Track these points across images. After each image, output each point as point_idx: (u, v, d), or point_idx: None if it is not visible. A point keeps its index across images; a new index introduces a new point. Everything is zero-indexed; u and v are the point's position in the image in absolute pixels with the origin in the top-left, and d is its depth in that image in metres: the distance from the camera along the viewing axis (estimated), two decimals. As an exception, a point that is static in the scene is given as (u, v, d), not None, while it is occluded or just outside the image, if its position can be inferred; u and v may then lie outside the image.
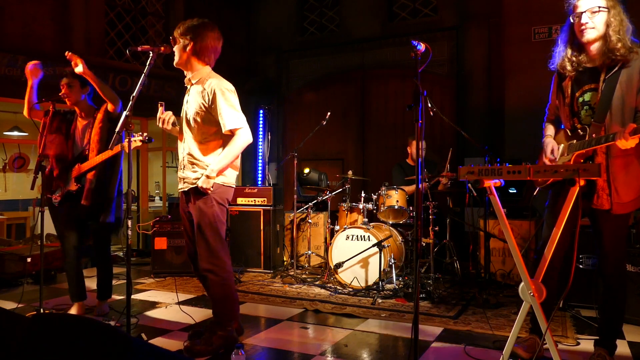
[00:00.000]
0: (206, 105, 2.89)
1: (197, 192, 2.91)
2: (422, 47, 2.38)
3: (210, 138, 2.95)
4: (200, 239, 2.92)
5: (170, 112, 3.02)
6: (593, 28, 2.43)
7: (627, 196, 2.43)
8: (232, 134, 2.90)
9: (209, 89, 2.89)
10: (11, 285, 4.69)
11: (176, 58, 2.95)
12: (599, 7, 2.41)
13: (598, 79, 2.48)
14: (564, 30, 2.60)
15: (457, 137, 6.51)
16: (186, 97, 3.04)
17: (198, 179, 2.90)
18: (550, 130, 2.77)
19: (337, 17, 7.77)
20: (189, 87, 3.04)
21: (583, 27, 2.44)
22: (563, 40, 2.60)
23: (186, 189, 2.98)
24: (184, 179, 3.00)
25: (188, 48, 2.90)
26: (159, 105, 2.96)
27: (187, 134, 2.97)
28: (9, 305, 3.95)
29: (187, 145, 2.97)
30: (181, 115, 3.07)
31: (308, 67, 7.88)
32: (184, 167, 2.98)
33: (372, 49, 7.34)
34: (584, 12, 2.42)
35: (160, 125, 3.01)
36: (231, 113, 2.87)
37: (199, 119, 2.92)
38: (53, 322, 1.34)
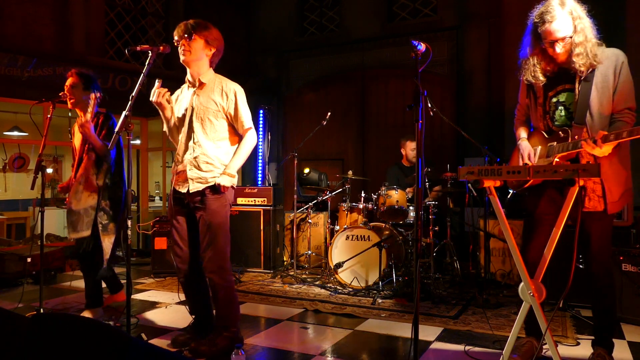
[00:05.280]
0: (224, 105, 2.93)
1: (213, 191, 2.89)
2: (422, 47, 2.38)
3: (224, 137, 2.97)
4: (210, 240, 2.87)
5: (166, 89, 2.96)
6: (565, 53, 2.44)
7: (618, 193, 2.46)
8: (242, 133, 2.99)
9: (228, 89, 2.94)
10: (11, 285, 4.69)
11: (190, 55, 2.87)
12: (569, 37, 2.39)
13: (573, 79, 2.48)
14: (526, 40, 2.57)
15: (457, 137, 6.50)
16: (193, 98, 2.96)
17: (215, 177, 2.89)
18: (523, 132, 2.76)
19: (337, 17, 7.77)
20: (191, 88, 3.00)
21: (556, 56, 2.46)
22: (528, 51, 2.56)
23: (200, 189, 2.90)
24: (195, 179, 2.91)
25: (209, 54, 2.94)
26: (157, 80, 2.90)
27: (199, 134, 2.93)
28: (9, 305, 3.95)
29: (200, 144, 2.92)
30: (182, 114, 3.01)
31: (308, 67, 7.88)
32: (196, 166, 2.91)
33: (372, 49, 7.34)
34: (556, 42, 2.41)
35: (154, 98, 2.91)
36: (248, 113, 2.98)
37: (214, 119, 2.93)
38: (53, 322, 1.33)
